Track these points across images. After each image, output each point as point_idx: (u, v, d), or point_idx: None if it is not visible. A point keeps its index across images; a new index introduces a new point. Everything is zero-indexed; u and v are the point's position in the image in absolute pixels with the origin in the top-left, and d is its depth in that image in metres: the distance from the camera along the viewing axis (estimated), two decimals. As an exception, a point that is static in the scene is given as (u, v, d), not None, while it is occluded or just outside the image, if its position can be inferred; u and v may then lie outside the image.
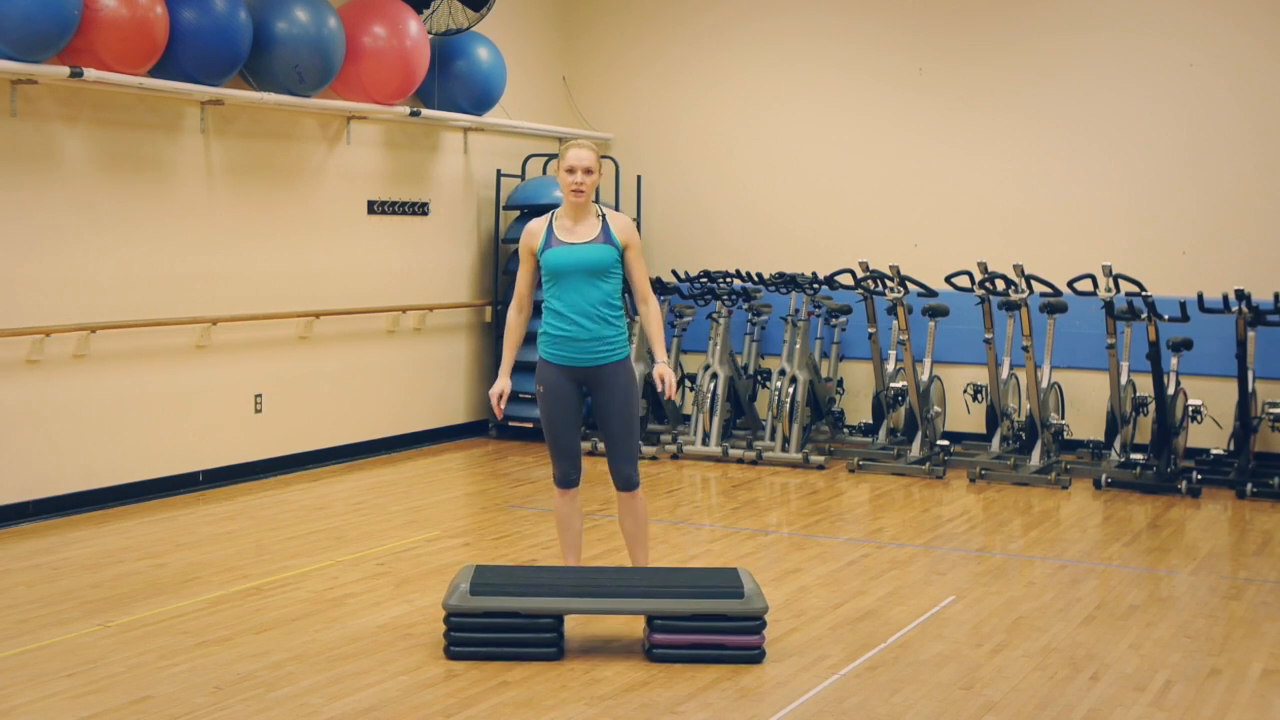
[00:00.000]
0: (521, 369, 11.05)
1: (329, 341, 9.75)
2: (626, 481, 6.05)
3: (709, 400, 10.28)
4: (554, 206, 10.72)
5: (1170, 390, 9.48)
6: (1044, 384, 9.72)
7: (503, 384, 6.03)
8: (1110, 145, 10.53)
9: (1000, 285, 9.76)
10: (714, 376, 10.29)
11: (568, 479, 6.08)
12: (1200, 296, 9.22)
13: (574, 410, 6.03)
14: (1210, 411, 9.80)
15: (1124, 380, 9.76)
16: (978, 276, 9.81)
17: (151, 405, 8.51)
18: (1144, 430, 9.90)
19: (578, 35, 12.19)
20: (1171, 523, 8.40)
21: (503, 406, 5.98)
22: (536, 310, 6.30)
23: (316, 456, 9.73)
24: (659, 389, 5.94)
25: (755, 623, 5.50)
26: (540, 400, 6.01)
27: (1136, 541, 7.90)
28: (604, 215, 6.03)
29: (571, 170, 5.92)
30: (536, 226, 6.02)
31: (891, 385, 10.28)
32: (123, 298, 8.30)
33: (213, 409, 8.92)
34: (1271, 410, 9.43)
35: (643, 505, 6.11)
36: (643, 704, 5.06)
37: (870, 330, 10.18)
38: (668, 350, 10.69)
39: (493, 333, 11.26)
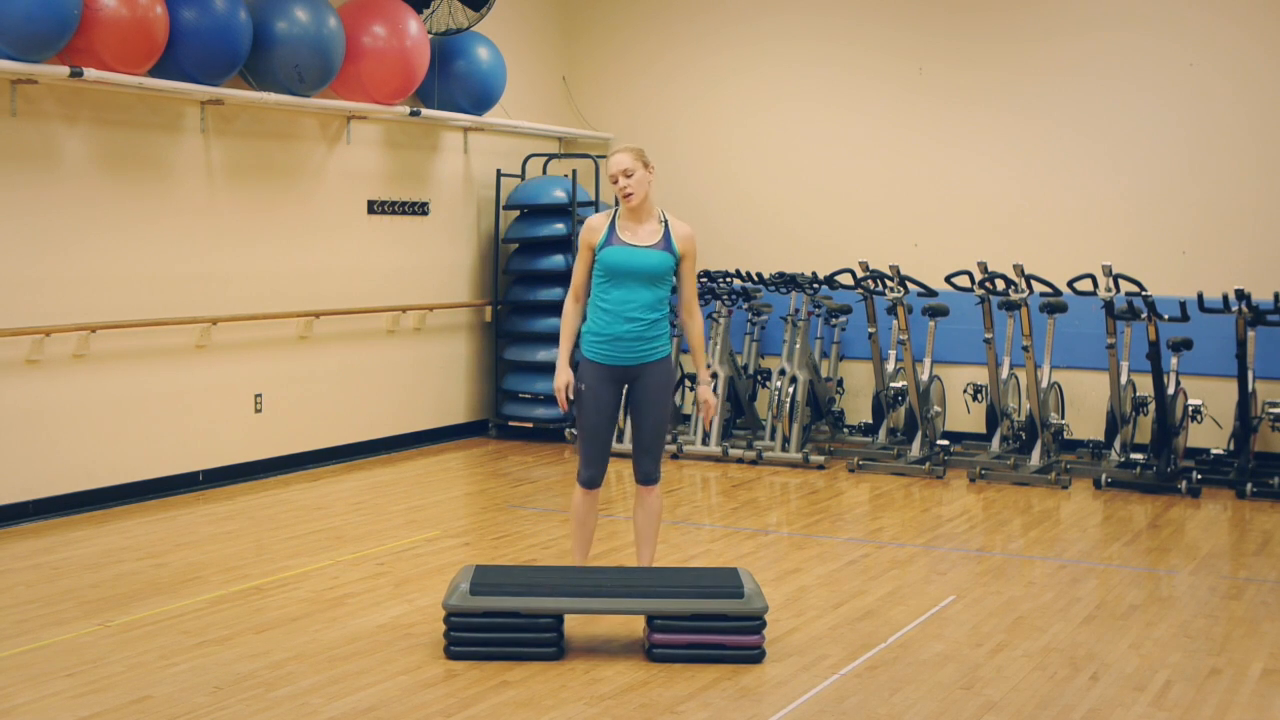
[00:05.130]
0: (525, 369, 11.09)
1: (329, 341, 9.75)
2: (647, 477, 6.11)
3: (709, 400, 10.27)
4: (555, 206, 10.99)
5: (1170, 390, 9.48)
6: (1044, 384, 9.72)
7: (565, 376, 5.96)
8: (1110, 145, 10.52)
9: (1000, 285, 9.76)
10: (714, 376, 10.28)
11: (594, 482, 6.10)
12: (1200, 296, 9.22)
13: (613, 413, 6.06)
14: (1210, 411, 9.80)
15: (1124, 380, 9.76)
16: (978, 276, 9.81)
17: (151, 405, 8.51)
18: (1144, 430, 9.90)
19: (578, 35, 12.19)
20: (1171, 522, 8.40)
21: (570, 398, 5.95)
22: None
23: (316, 456, 9.73)
24: (701, 413, 5.87)
25: (755, 623, 5.50)
26: (580, 400, 5.98)
27: (1136, 541, 7.90)
28: (666, 221, 6.05)
29: (614, 179, 5.95)
30: (598, 222, 6.01)
31: (891, 385, 10.27)
32: (123, 298, 8.29)
33: (212, 409, 8.92)
34: (1271, 410, 9.43)
35: (658, 502, 6.16)
36: (643, 704, 5.06)
37: (870, 330, 10.18)
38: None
39: (492, 332, 11.26)
